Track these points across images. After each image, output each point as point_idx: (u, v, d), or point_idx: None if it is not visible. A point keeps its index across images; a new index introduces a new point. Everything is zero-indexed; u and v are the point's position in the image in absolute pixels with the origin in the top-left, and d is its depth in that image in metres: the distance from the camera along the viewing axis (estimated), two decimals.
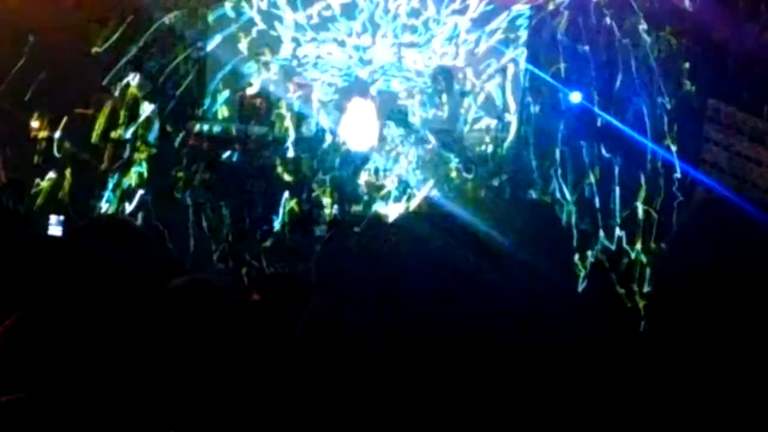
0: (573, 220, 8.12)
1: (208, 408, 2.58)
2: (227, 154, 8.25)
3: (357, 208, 8.11)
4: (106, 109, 8.00)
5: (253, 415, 2.57)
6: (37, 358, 1.50)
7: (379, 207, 8.07)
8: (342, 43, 8.75)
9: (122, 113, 7.98)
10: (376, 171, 8.29)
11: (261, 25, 8.61)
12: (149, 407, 1.54)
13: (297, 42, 8.73)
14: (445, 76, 8.51)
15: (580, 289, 7.30)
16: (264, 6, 8.63)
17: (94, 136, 7.92)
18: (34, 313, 1.50)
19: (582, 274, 7.61)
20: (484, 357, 2.18)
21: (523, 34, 8.73)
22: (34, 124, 7.87)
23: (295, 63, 8.69)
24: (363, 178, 8.23)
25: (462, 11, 8.71)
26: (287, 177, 8.12)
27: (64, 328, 1.47)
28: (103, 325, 1.48)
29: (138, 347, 1.54)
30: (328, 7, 8.68)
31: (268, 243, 7.94)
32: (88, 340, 1.48)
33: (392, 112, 8.46)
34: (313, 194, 8.10)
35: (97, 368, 1.48)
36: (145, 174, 8.03)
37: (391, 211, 7.96)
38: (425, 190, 8.05)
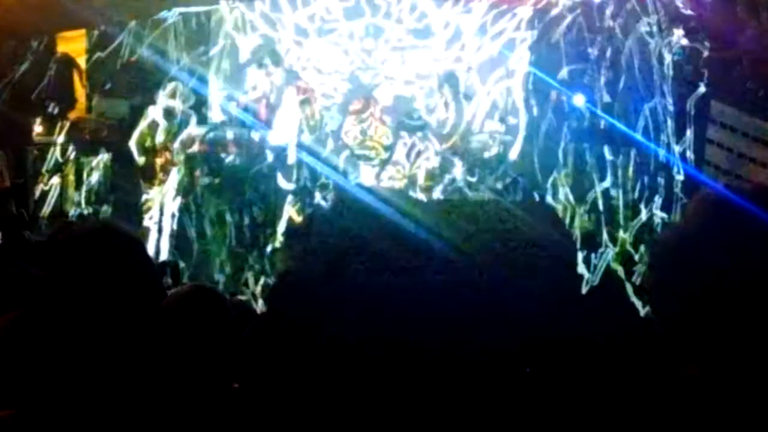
0: (577, 222, 8.09)
1: (207, 413, 2.57)
2: (229, 158, 8.21)
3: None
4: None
5: (254, 421, 2.55)
6: (27, 371, 1.42)
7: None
8: (345, 47, 8.72)
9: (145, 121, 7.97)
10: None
11: (263, 30, 8.62)
12: (147, 414, 1.50)
13: (299, 46, 8.72)
14: (451, 80, 8.48)
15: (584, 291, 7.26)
16: (267, 10, 8.63)
17: (135, 144, 7.92)
18: (25, 322, 1.45)
19: (587, 277, 7.57)
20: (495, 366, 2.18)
21: (528, 38, 8.69)
22: (38, 128, 7.87)
23: (297, 67, 8.67)
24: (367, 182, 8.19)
25: (466, 14, 8.70)
26: (288, 182, 8.04)
27: (54, 339, 1.41)
28: (95, 335, 1.43)
29: (135, 356, 1.49)
30: (330, 11, 8.67)
31: (269, 249, 7.87)
32: (80, 350, 1.42)
33: (400, 119, 8.43)
34: (315, 200, 8.03)
35: (92, 381, 1.41)
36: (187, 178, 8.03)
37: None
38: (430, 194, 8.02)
